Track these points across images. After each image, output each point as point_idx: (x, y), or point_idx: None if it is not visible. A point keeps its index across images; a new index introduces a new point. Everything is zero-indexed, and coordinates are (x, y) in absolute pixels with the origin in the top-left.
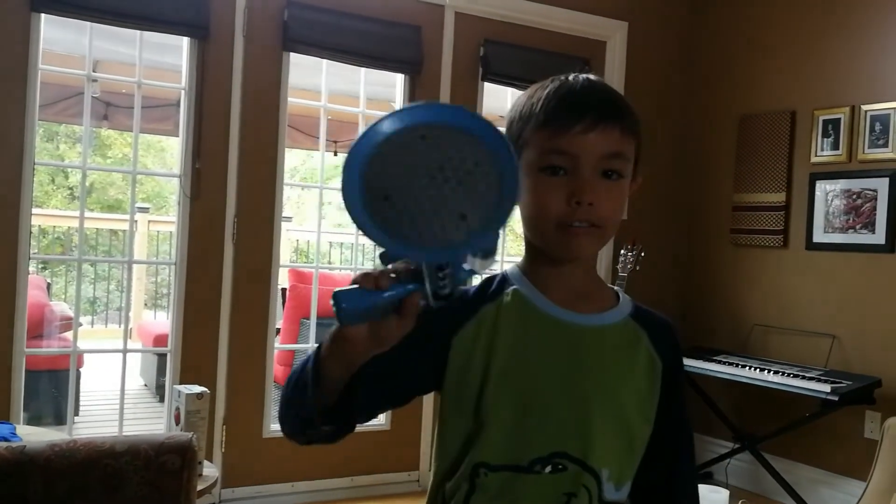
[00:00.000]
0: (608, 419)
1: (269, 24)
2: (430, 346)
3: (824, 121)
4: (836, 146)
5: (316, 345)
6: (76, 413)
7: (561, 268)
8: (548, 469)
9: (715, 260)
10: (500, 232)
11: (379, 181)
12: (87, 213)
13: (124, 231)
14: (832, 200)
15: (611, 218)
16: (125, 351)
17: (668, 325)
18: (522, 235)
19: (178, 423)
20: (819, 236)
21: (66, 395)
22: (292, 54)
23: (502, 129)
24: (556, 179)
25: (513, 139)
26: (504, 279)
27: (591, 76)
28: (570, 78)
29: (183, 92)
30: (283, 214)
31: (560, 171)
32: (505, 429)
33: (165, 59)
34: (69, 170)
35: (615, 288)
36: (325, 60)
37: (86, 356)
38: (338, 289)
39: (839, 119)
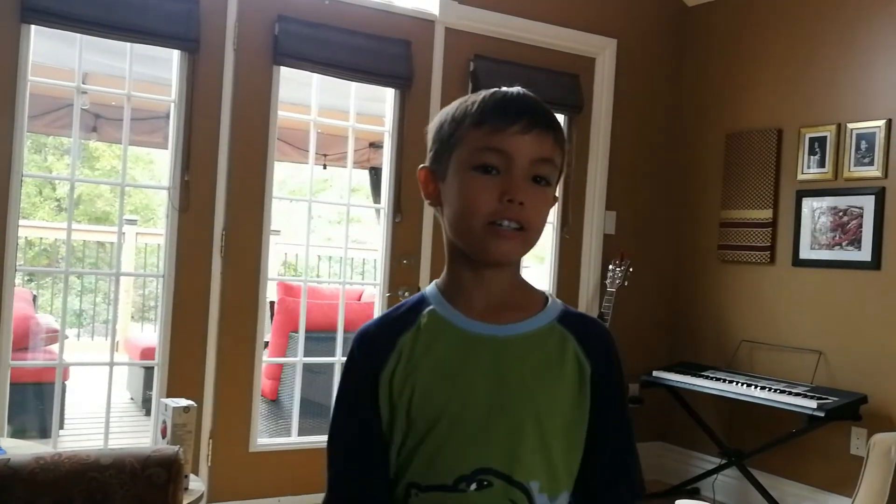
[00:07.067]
0: (532, 430)
1: (259, 38)
2: (367, 392)
3: (811, 139)
4: (822, 164)
5: None
6: (61, 426)
7: (482, 275)
8: (473, 487)
9: (702, 276)
10: None
11: None
12: (75, 225)
13: (112, 243)
14: (818, 217)
15: (537, 221)
16: (111, 364)
17: (600, 329)
18: (445, 245)
19: (164, 436)
20: (805, 253)
21: (51, 408)
22: (282, 68)
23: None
24: (489, 178)
25: (442, 141)
26: (422, 300)
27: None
28: (505, 88)
29: (172, 104)
30: (272, 227)
31: (492, 170)
32: (429, 449)
33: (155, 71)
34: (56, 181)
35: (545, 292)
36: (315, 74)
37: (72, 369)
38: None
39: (825, 137)
